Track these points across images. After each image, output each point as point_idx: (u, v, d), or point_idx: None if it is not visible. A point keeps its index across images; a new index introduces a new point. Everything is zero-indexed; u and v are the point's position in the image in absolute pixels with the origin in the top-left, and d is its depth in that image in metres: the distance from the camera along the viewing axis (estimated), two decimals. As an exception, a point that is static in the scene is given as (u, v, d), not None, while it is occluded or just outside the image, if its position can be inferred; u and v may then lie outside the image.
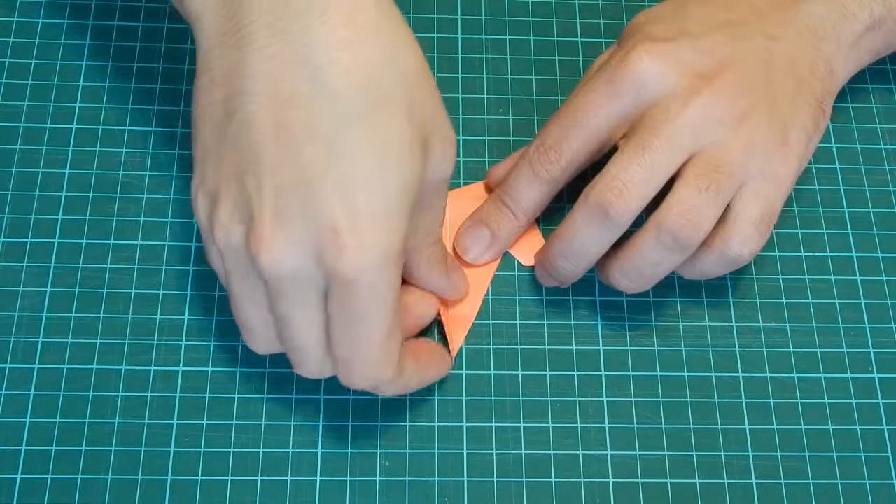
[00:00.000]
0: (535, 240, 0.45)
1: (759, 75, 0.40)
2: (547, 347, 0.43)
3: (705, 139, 0.39)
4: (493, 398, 0.42)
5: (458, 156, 0.38)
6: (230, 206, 0.34)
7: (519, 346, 0.43)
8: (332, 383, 0.42)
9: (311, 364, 0.36)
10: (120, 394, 0.41)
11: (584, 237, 0.40)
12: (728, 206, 0.39)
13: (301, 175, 0.32)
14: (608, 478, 0.41)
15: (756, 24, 0.41)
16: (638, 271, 0.40)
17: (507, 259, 0.45)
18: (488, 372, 0.43)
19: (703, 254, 0.40)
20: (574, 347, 0.43)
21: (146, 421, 0.41)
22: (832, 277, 0.46)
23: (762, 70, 0.40)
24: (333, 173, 0.32)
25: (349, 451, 0.41)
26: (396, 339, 0.35)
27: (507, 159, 0.45)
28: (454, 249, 0.44)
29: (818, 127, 0.41)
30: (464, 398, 0.42)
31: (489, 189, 0.46)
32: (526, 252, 0.45)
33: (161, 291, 0.43)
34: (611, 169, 0.39)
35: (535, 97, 0.49)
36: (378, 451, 0.41)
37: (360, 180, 0.32)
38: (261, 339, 0.37)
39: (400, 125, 0.33)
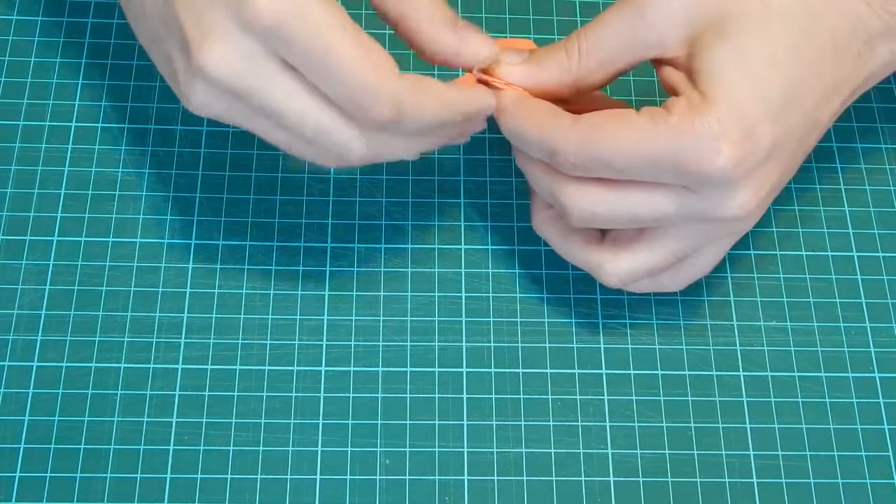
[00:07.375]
0: None
1: (806, 139, 0.39)
2: (548, 345, 0.43)
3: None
4: (493, 396, 0.42)
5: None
6: (172, 46, 0.36)
7: (520, 344, 0.43)
8: (333, 382, 0.42)
9: (331, 135, 0.36)
10: (119, 391, 0.41)
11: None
12: None
13: None
14: (609, 476, 0.41)
15: (824, 66, 0.38)
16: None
17: (507, 258, 0.45)
18: (489, 370, 0.42)
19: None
20: (575, 345, 0.43)
21: (145, 419, 0.41)
22: (833, 276, 0.46)
23: (808, 132, 0.39)
24: None
25: (349, 449, 0.41)
26: (376, 55, 0.34)
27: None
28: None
29: None
30: (464, 396, 0.42)
31: None
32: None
33: (160, 289, 0.43)
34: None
35: (535, 96, 0.49)
36: (378, 449, 0.41)
37: None
38: (290, 139, 0.37)
39: None
